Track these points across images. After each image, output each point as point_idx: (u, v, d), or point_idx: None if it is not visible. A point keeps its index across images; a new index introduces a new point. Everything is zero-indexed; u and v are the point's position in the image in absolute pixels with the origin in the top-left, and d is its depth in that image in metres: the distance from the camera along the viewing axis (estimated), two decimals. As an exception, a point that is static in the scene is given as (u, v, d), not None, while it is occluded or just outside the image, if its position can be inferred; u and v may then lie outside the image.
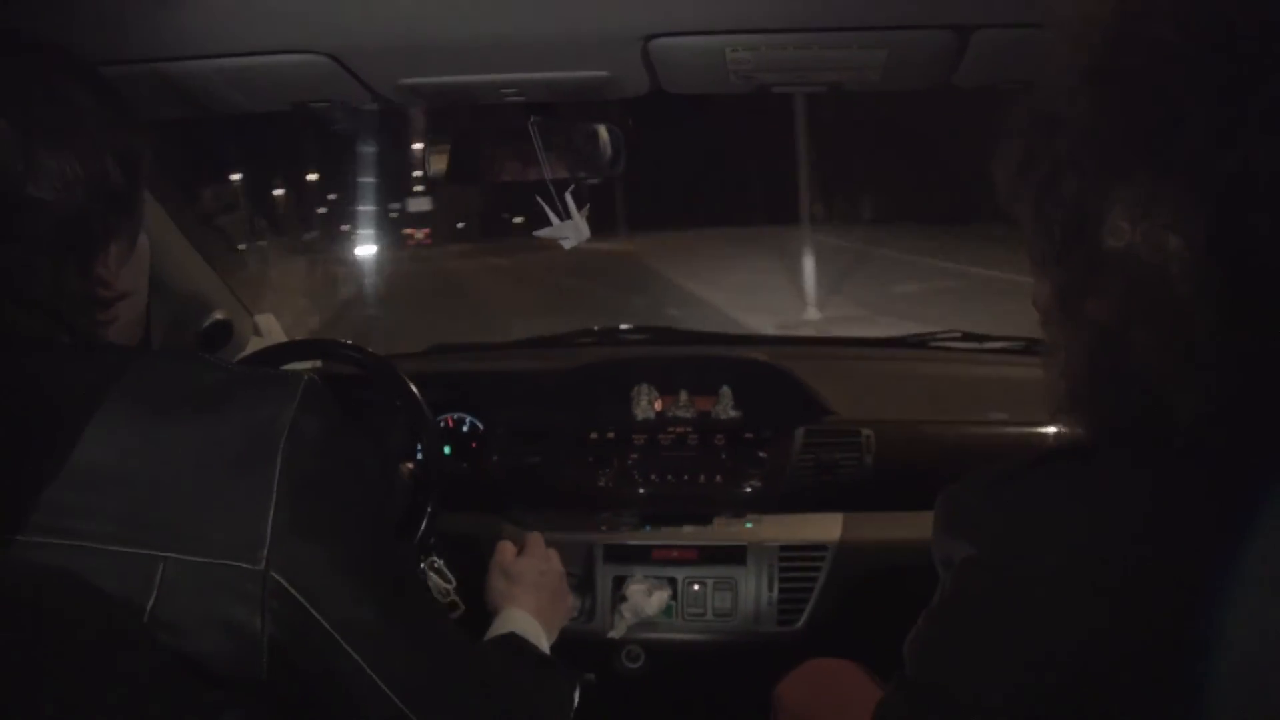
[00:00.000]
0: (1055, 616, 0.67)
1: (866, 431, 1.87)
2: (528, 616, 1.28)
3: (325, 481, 0.75)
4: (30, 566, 0.66)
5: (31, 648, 0.61)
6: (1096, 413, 0.73)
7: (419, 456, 1.77)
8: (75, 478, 0.68)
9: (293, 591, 0.72)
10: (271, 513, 0.70)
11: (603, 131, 1.51)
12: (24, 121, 0.73)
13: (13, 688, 0.59)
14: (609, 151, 1.51)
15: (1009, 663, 0.70)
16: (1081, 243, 0.69)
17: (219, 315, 1.92)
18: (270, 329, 2.17)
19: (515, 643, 1.19)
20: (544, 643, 1.25)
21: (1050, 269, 0.74)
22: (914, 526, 1.78)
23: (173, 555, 0.68)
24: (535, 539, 1.44)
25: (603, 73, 1.28)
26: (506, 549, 1.41)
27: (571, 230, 1.73)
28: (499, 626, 1.25)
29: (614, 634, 1.75)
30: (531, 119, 1.49)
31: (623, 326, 2.47)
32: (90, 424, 0.69)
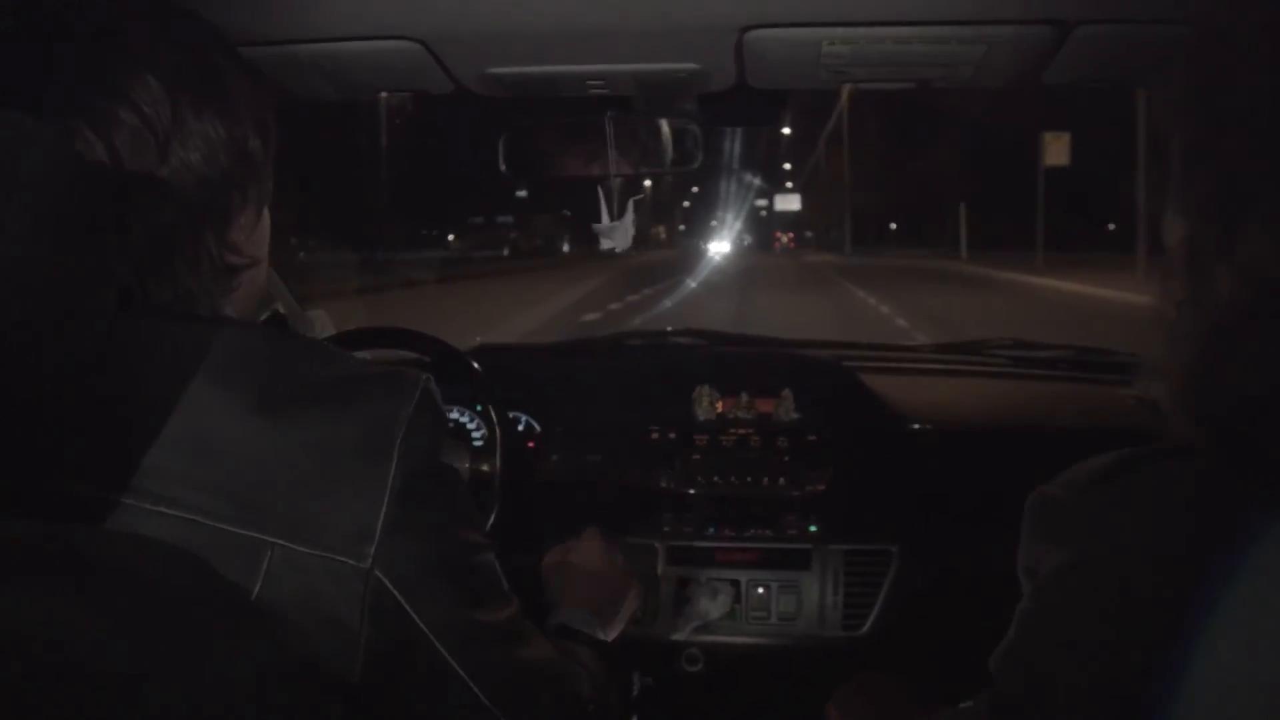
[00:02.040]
0: (1154, 625, 0.64)
1: (929, 435, 1.85)
2: (584, 614, 1.26)
3: (432, 483, 0.75)
4: (140, 533, 0.65)
5: (141, 619, 0.59)
6: (1215, 396, 0.68)
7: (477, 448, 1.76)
8: (186, 447, 0.66)
9: (395, 592, 0.71)
10: (384, 510, 0.69)
11: (679, 127, 1.50)
12: (174, 82, 0.73)
13: (115, 663, 0.56)
14: (686, 148, 1.50)
15: (1112, 672, 0.66)
16: (1226, 207, 0.65)
17: (277, 308, 1.92)
18: (323, 326, 2.17)
19: (571, 644, 1.17)
20: (600, 639, 1.24)
21: (1190, 213, 0.69)
22: (979, 532, 1.76)
23: (282, 543, 0.67)
24: (590, 534, 1.42)
25: (692, 65, 1.26)
26: (560, 549, 1.39)
27: (619, 235, 1.72)
28: (551, 627, 1.23)
29: (677, 636, 1.73)
30: (609, 114, 1.48)
31: (669, 329, 2.45)
32: (209, 397, 0.68)
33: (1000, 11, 1.12)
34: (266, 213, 0.86)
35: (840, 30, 1.15)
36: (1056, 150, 25.36)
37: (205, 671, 0.61)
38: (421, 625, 0.73)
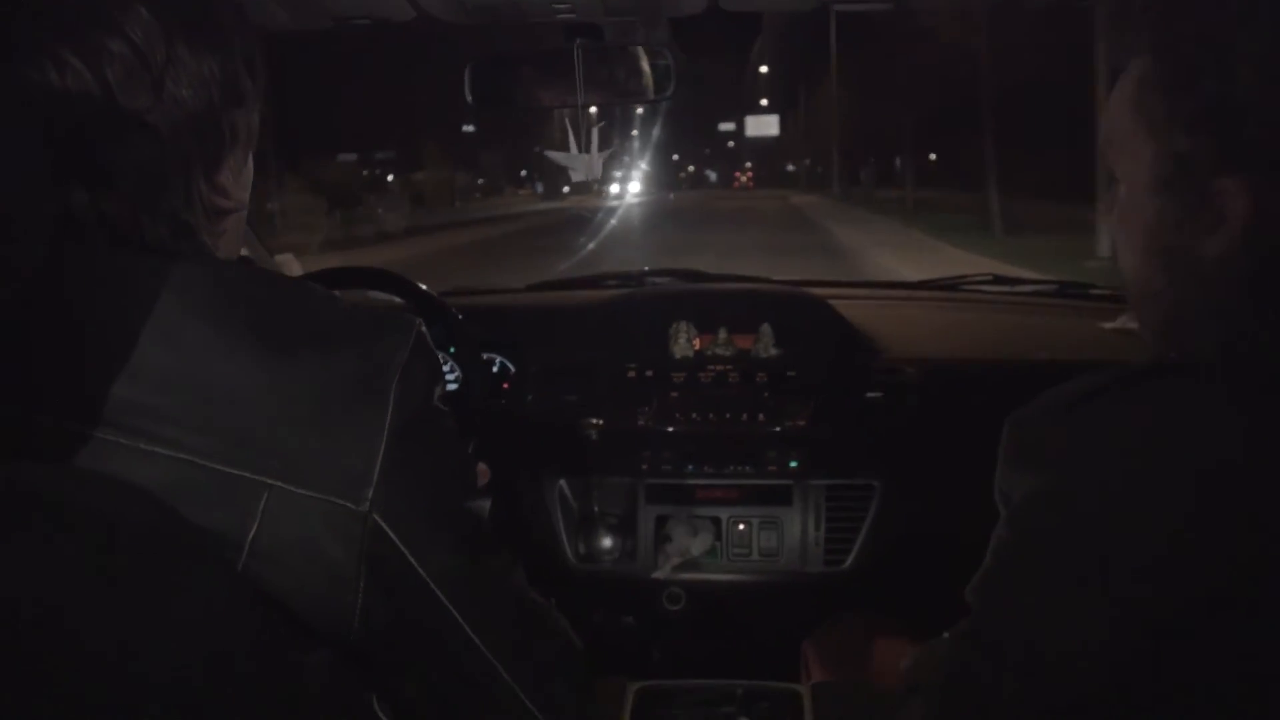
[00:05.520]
0: (1126, 554, 0.63)
1: (910, 370, 1.83)
2: None
3: (428, 427, 0.73)
4: (132, 473, 0.63)
5: (102, 562, 0.58)
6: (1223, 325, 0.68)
7: (449, 391, 1.74)
8: (180, 385, 0.65)
9: (393, 536, 0.69)
10: (381, 453, 0.68)
11: (651, 54, 1.46)
12: (166, 15, 0.70)
13: (86, 601, 0.55)
14: (658, 76, 1.46)
15: (1081, 606, 0.65)
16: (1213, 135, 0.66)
17: (244, 252, 1.88)
18: (291, 269, 2.13)
19: None
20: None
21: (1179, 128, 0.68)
22: (960, 467, 1.75)
23: (279, 484, 0.65)
24: None
25: None
26: None
27: (582, 164, 1.68)
28: None
29: (658, 575, 1.72)
30: (578, 41, 1.43)
31: (647, 269, 2.41)
32: (202, 335, 0.66)
33: None
34: (250, 156, 0.83)
35: None
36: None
37: (168, 612, 0.59)
38: (420, 570, 0.72)
